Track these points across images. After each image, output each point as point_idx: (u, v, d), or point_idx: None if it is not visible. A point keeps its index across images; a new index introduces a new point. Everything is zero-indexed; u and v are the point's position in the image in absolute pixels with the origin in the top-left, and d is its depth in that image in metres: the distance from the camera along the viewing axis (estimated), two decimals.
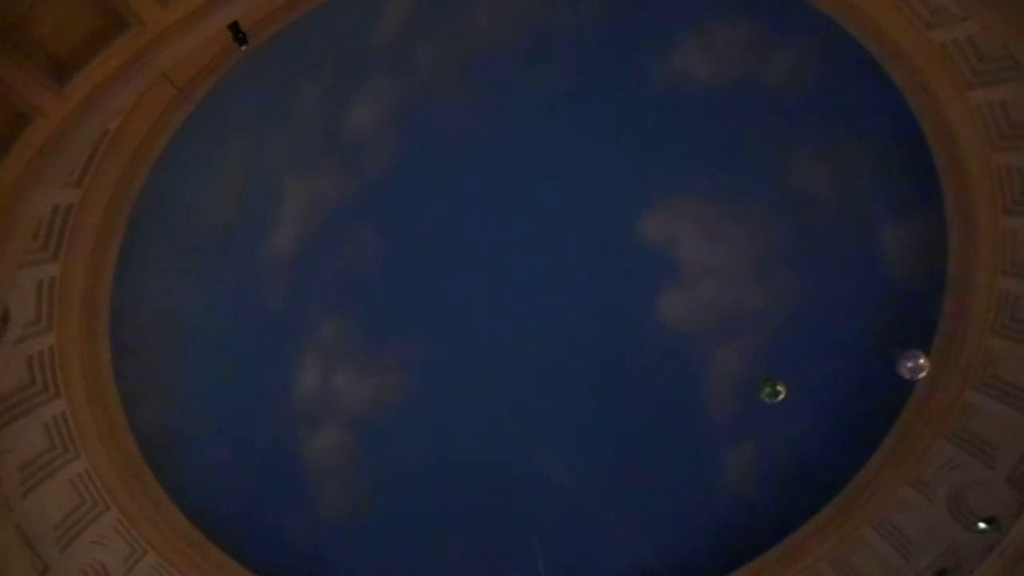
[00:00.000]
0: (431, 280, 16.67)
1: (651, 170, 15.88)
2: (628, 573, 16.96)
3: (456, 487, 16.83)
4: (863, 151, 14.69)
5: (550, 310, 17.00)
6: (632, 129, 15.53)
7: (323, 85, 14.29)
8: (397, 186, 15.80)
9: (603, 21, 14.53)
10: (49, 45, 8.95)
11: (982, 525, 13.73)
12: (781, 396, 12.65)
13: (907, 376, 11.66)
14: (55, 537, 12.76)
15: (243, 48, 11.64)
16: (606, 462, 17.23)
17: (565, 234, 16.49)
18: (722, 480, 16.99)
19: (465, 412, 16.88)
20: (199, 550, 14.96)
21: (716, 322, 16.64)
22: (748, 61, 14.46)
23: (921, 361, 11.42)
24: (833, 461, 15.83)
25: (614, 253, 16.51)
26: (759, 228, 15.93)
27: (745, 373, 15.73)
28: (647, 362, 17.13)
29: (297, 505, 16.31)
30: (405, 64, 14.50)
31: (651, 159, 15.76)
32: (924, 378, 12.24)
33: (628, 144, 15.67)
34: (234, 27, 11.16)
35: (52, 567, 12.54)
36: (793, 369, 14.38)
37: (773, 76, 14.47)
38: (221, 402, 15.42)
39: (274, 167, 14.83)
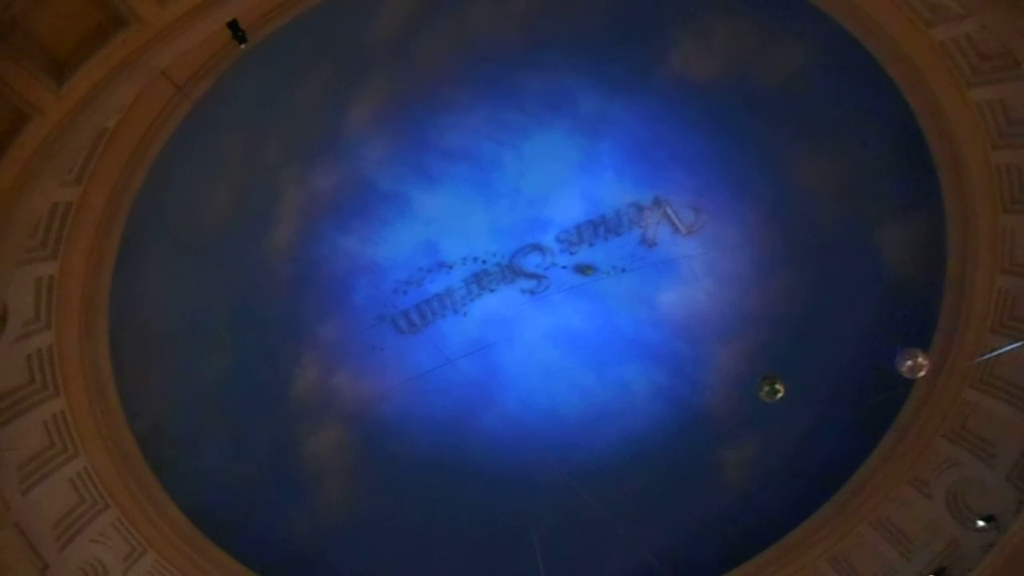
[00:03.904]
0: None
1: (649, 167, 15.86)
2: (628, 571, 16.98)
3: (455, 483, 16.84)
4: (862, 149, 14.67)
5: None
6: (631, 127, 15.51)
7: (323, 82, 14.25)
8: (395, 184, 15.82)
9: (603, 18, 14.50)
10: (47, 43, 8.93)
11: (981, 523, 13.74)
12: (780, 395, 12.64)
13: (906, 375, 11.67)
14: (54, 535, 12.76)
15: (242, 46, 11.63)
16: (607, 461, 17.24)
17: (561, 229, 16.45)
18: (721, 478, 16.99)
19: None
20: (198, 548, 14.97)
21: (715, 320, 16.63)
22: (746, 59, 14.42)
23: (920, 360, 11.42)
24: (832, 459, 15.84)
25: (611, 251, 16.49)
26: (757, 226, 15.91)
27: (744, 372, 15.72)
28: (646, 361, 17.14)
29: (297, 503, 16.30)
30: (404, 61, 14.46)
31: (649, 156, 15.74)
32: (923, 376, 12.25)
33: (627, 141, 15.66)
34: (233, 25, 11.15)
35: (52, 565, 12.54)
36: (792, 367, 14.40)
37: (771, 74, 14.44)
38: (221, 400, 15.41)
39: (273, 164, 14.80)
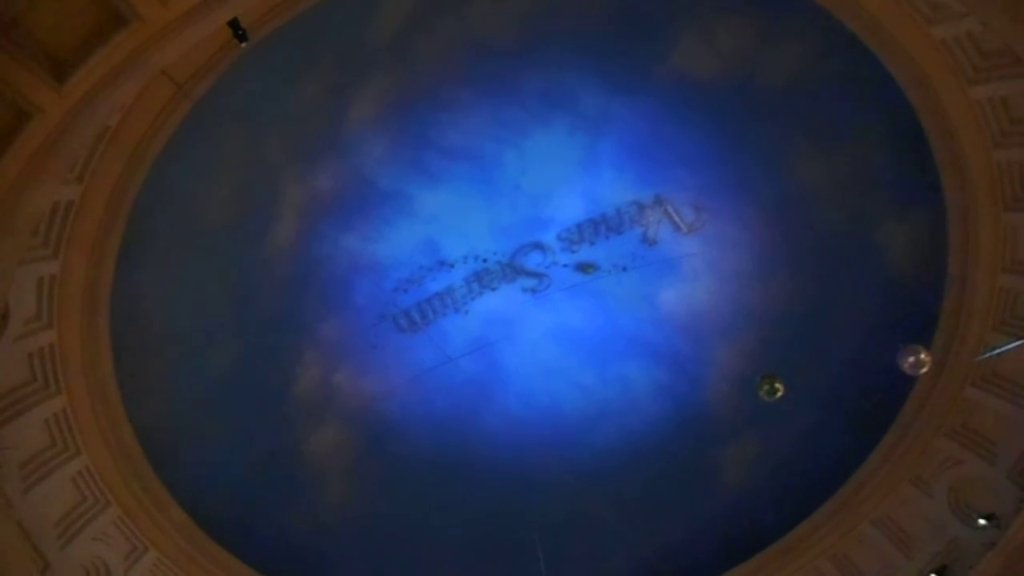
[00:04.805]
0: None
1: (650, 165, 15.86)
2: (629, 569, 16.99)
3: (456, 481, 16.85)
4: (863, 147, 14.66)
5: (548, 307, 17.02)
6: (632, 125, 15.50)
7: (324, 81, 14.25)
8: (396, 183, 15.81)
9: (604, 17, 14.49)
10: (48, 42, 8.93)
11: (982, 522, 13.74)
12: (779, 394, 12.65)
13: (909, 371, 11.67)
14: (56, 534, 12.76)
15: (243, 45, 11.64)
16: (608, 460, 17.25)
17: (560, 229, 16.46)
18: (722, 476, 16.99)
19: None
20: (199, 547, 14.98)
21: (716, 319, 16.63)
22: (747, 57, 14.40)
23: (923, 356, 11.43)
24: (833, 457, 15.85)
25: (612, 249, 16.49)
26: (758, 225, 15.91)
27: (745, 370, 15.70)
28: (647, 360, 17.14)
29: (298, 501, 16.31)
30: (405, 59, 14.46)
31: (651, 154, 15.74)
32: (924, 375, 12.25)
33: (628, 139, 15.65)
34: (234, 24, 11.16)
35: (53, 564, 12.55)
36: (792, 366, 14.40)
37: (772, 72, 14.42)
38: (222, 398, 15.42)
39: (274, 163, 14.80)
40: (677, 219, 16.15)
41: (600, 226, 16.31)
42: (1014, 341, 12.56)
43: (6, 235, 9.77)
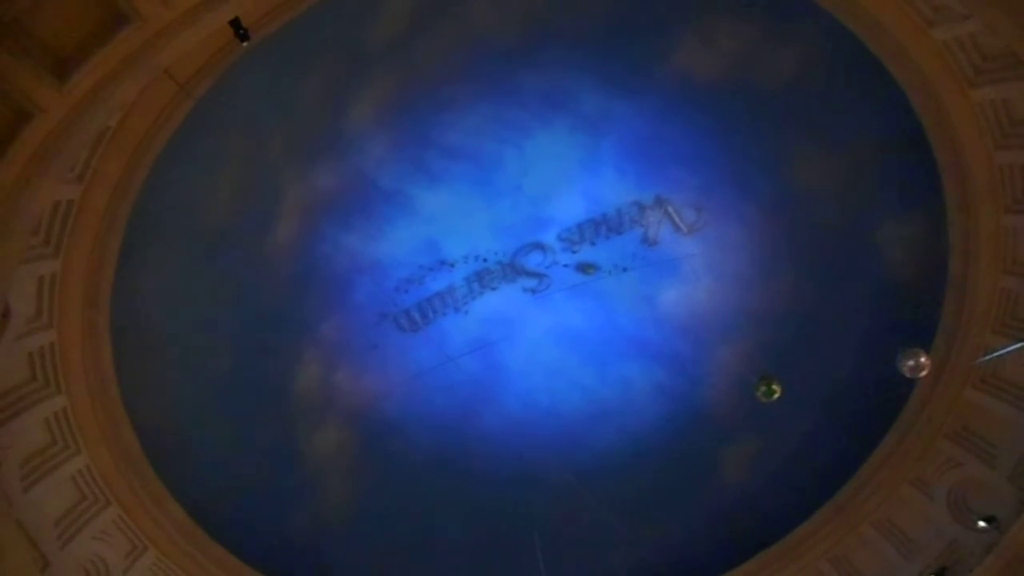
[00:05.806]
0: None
1: (651, 166, 15.86)
2: (628, 569, 16.99)
3: (456, 481, 16.85)
4: (864, 149, 14.66)
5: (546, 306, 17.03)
6: (633, 125, 15.50)
7: (325, 80, 14.26)
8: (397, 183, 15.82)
9: (605, 17, 14.49)
10: (50, 41, 8.94)
11: (982, 524, 13.74)
12: (776, 395, 12.64)
13: (908, 375, 11.67)
14: (56, 533, 12.78)
15: (245, 44, 11.63)
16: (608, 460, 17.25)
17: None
18: (722, 477, 16.99)
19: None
20: (199, 546, 14.98)
21: (716, 320, 16.63)
22: (748, 58, 14.42)
23: (922, 360, 11.43)
24: (833, 459, 15.84)
25: (612, 250, 16.49)
26: (759, 226, 15.90)
27: (745, 371, 15.67)
28: (647, 360, 17.15)
29: (298, 501, 16.32)
30: (406, 59, 14.46)
31: (651, 155, 15.74)
32: (925, 376, 12.24)
33: (629, 139, 15.65)
34: (235, 23, 11.16)
35: (53, 563, 12.56)
36: (793, 367, 14.42)
37: (773, 73, 14.43)
38: (222, 398, 15.43)
39: (275, 163, 14.81)
40: (678, 219, 16.15)
41: (601, 226, 16.31)
42: (1015, 343, 12.54)
43: (7, 234, 9.76)
